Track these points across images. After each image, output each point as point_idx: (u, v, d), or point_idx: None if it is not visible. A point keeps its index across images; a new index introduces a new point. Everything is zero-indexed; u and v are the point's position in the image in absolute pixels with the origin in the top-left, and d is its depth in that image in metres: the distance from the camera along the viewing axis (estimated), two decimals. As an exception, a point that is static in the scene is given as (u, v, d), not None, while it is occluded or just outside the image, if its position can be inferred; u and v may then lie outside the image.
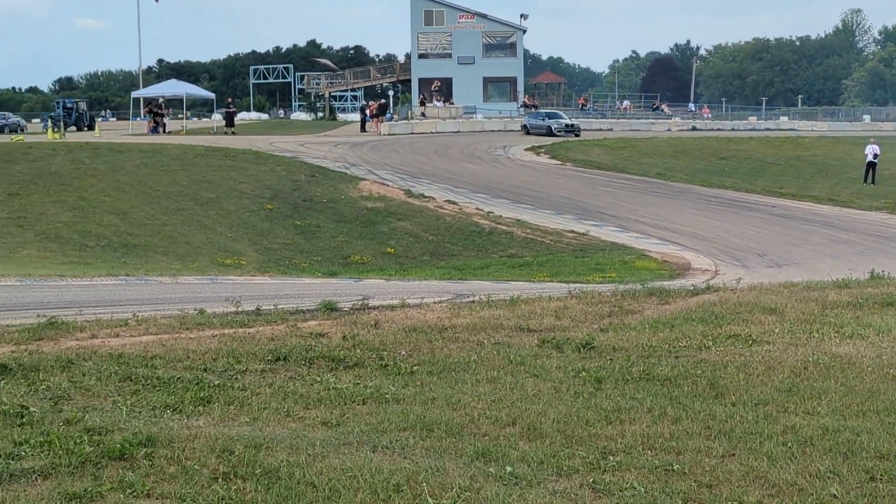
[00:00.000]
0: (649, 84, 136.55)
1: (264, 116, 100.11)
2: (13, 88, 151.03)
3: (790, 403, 9.00)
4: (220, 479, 6.68)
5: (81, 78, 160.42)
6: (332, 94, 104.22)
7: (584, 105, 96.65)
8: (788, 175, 51.49)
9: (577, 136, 69.06)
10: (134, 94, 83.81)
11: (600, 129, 76.34)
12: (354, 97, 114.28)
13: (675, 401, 9.06)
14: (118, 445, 7.17)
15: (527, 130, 72.11)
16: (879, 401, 9.09)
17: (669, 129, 79.40)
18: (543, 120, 72.88)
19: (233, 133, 66.07)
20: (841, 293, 15.18)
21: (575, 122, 73.39)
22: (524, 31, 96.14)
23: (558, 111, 78.91)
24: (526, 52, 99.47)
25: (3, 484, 6.51)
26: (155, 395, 8.89)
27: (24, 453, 7.05)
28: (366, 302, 14.89)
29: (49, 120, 71.55)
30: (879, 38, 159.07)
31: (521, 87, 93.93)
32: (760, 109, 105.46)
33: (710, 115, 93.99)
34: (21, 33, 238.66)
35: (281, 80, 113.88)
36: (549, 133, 69.56)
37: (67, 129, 68.23)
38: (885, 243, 33.68)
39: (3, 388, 8.86)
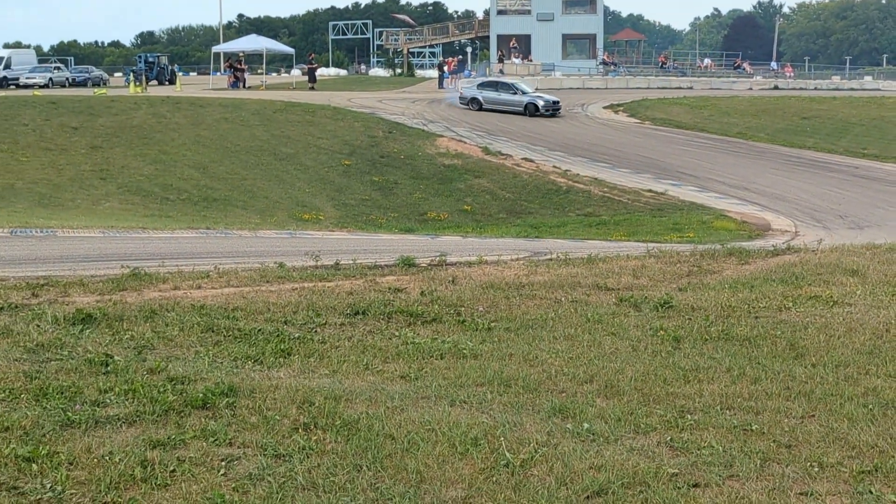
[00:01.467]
0: (731, 42, 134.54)
1: (343, 72, 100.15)
2: (95, 42, 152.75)
3: (871, 366, 8.90)
4: (300, 430, 6.76)
5: (163, 33, 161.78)
6: (411, 50, 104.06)
7: (664, 63, 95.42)
8: (872, 136, 50.64)
9: (552, 115, 54.79)
10: (214, 48, 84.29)
11: (680, 88, 75.44)
12: (433, 53, 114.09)
13: (754, 361, 9.00)
14: (200, 395, 7.29)
15: (479, 106, 55.86)
16: (964, 364, 8.97)
17: (751, 88, 78.25)
18: (515, 93, 56.18)
19: (313, 88, 66.21)
20: (925, 255, 14.95)
21: (547, 97, 56.33)
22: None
23: (509, 79, 62.28)
24: (606, 8, 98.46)
25: (90, 430, 6.64)
26: (236, 346, 9.00)
27: (108, 401, 7.18)
28: (443, 258, 14.91)
29: (131, 74, 72.03)
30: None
31: (600, 44, 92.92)
32: (844, 69, 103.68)
33: (792, 75, 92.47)
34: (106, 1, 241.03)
35: (360, 36, 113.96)
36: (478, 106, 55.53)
37: (149, 84, 68.78)
38: (969, 206, 33.06)
39: (89, 336, 9.01)
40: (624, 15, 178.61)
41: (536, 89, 58.73)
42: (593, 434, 6.92)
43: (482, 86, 58.45)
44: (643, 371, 8.60)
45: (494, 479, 6.11)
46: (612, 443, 6.78)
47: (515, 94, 55.83)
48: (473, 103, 56.02)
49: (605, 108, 60.13)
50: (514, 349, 9.31)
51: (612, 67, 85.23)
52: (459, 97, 57.99)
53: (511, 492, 5.93)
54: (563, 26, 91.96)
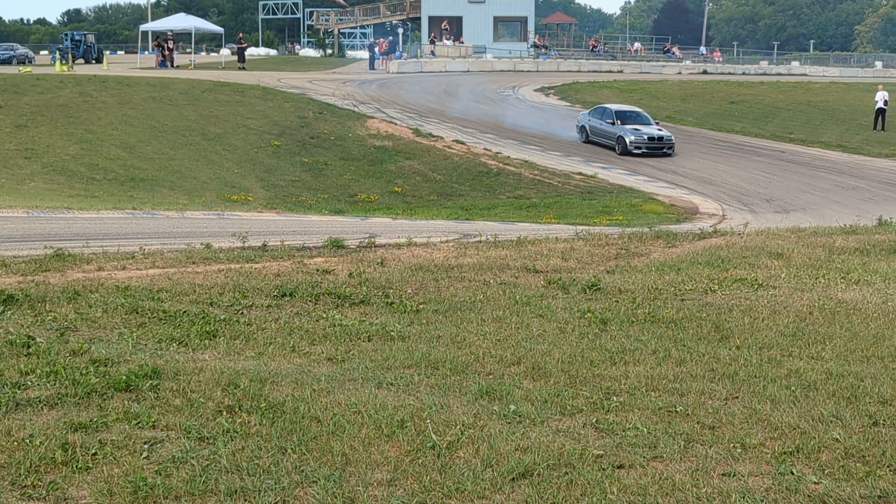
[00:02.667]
0: (661, 27, 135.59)
1: (273, 52, 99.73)
2: (21, 20, 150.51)
3: (794, 348, 9.02)
4: (224, 412, 6.73)
5: (90, 11, 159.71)
6: (342, 31, 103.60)
7: (594, 47, 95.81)
8: (798, 121, 51.19)
9: (668, 155, 40.34)
10: (142, 27, 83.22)
11: (610, 71, 75.80)
12: (364, 34, 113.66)
13: (680, 343, 9.09)
14: (124, 377, 7.22)
15: (586, 136, 43.13)
16: (884, 346, 9.11)
17: (680, 73, 78.80)
18: (613, 123, 41.95)
19: (243, 68, 65.74)
20: (848, 239, 15.17)
21: (665, 132, 41.55)
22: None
23: (637, 109, 45.36)
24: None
25: (10, 413, 6.56)
26: (161, 327, 8.93)
27: (30, 383, 7.10)
28: (372, 240, 14.91)
29: (57, 52, 71.07)
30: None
31: (531, 27, 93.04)
32: (772, 54, 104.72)
33: (721, 59, 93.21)
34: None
35: (290, 16, 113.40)
36: (624, 151, 40.41)
37: (75, 62, 67.81)
38: (893, 191, 33.56)
39: (10, 318, 8.90)
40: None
41: (657, 123, 42.57)
42: (520, 416, 6.95)
43: (593, 112, 43.92)
44: (570, 353, 8.64)
45: (420, 461, 6.11)
46: (538, 424, 6.81)
47: (613, 124, 41.33)
48: (582, 132, 43.53)
49: (535, 90, 60.27)
50: (442, 331, 9.32)
51: (543, 50, 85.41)
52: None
53: (437, 474, 5.93)
54: (495, 8, 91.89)
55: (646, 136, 40.47)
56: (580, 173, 35.95)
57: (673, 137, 40.94)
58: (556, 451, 6.31)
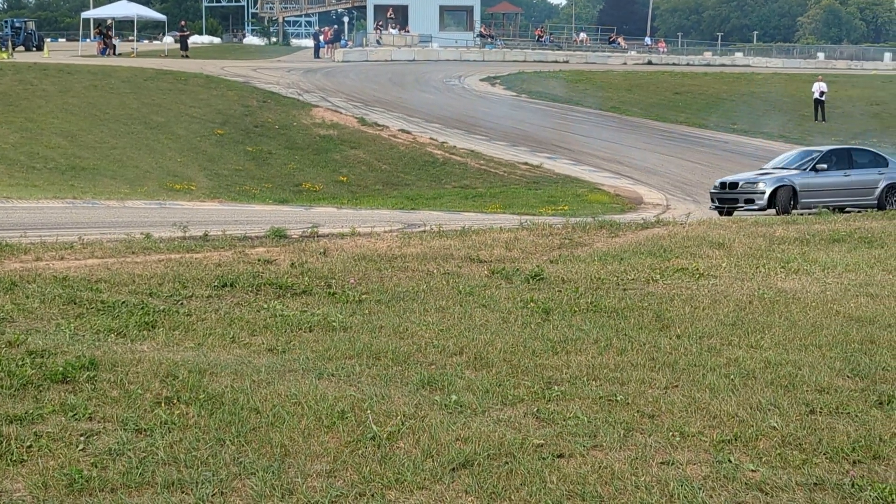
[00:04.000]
0: (606, 17, 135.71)
1: (217, 41, 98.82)
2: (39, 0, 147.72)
3: (734, 337, 9.09)
4: (163, 404, 6.68)
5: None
6: (286, 19, 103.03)
7: (540, 37, 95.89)
8: (741, 111, 51.56)
9: None
10: (84, 14, 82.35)
11: (556, 62, 75.91)
12: (309, 23, 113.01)
13: (621, 332, 9.13)
14: (60, 368, 7.15)
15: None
16: (822, 335, 9.19)
17: (625, 63, 79.16)
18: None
19: (186, 56, 65.27)
20: (788, 229, 15.31)
21: None
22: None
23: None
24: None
25: (-57, 405, 6.48)
26: (99, 318, 8.85)
27: (-37, 375, 7.01)
28: (315, 230, 14.86)
29: (-2, 41, 70.45)
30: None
31: (477, 16, 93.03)
32: (716, 45, 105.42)
33: (665, 50, 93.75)
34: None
35: (234, 4, 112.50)
36: None
37: (15, 50, 67.01)
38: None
39: (-58, 309, 8.80)
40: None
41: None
42: (461, 406, 6.95)
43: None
44: (512, 343, 8.66)
45: (360, 452, 6.10)
46: (479, 414, 6.82)
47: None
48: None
49: (481, 80, 60.28)
50: (384, 321, 9.31)
51: (489, 40, 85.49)
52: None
53: (377, 464, 5.92)
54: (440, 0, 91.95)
55: None
56: (526, 163, 36.07)
57: None
58: (497, 440, 6.32)
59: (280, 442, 6.17)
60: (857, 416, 7.07)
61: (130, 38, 77.88)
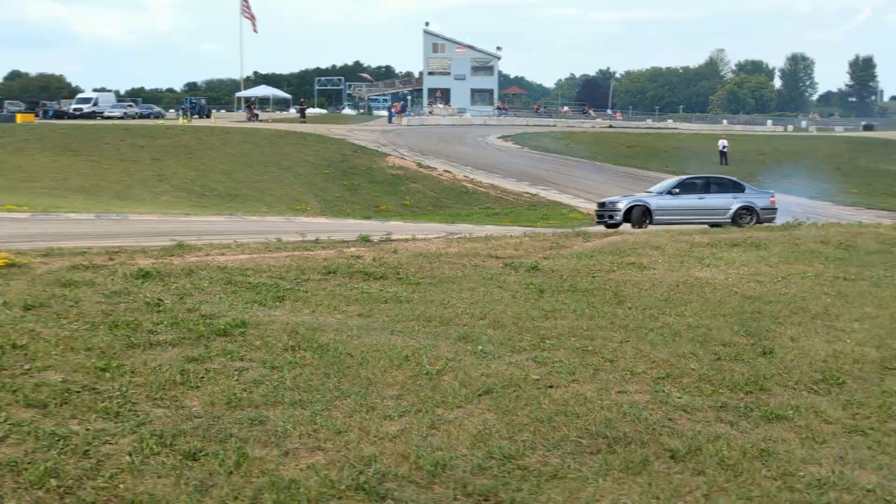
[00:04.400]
0: (582, 96, 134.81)
1: (324, 111, 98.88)
2: (156, 89, 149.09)
3: (666, 308, 9.04)
4: (289, 350, 6.73)
5: (203, 83, 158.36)
6: (370, 97, 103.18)
7: (538, 109, 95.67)
8: (672, 158, 50.90)
9: None
10: (237, 94, 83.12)
11: (548, 126, 75.50)
12: (385, 99, 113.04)
13: (591, 305, 9.09)
14: (222, 326, 7.22)
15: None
16: (725, 308, 9.13)
17: (594, 126, 78.40)
18: None
19: (303, 122, 65.45)
20: (703, 237, 15.15)
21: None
22: (499, 58, 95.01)
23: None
24: (500, 72, 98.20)
25: (146, 350, 6.55)
26: (247, 293, 8.90)
27: (159, 330, 7.08)
28: (389, 236, 14.85)
29: (181, 110, 70.90)
30: (735, 68, 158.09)
31: (496, 95, 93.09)
32: (654, 114, 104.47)
33: (621, 118, 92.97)
34: (163, 53, 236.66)
35: (336, 88, 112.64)
36: None
37: (192, 117, 67.62)
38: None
39: (147, 287, 8.86)
40: (512, 76, 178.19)
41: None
42: (484, 353, 6.96)
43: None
44: (518, 311, 8.65)
45: (418, 382, 6.13)
46: (496, 359, 6.83)
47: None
48: None
49: (498, 138, 60.09)
50: (433, 297, 9.32)
51: (504, 111, 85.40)
52: None
53: (429, 391, 5.95)
54: (472, 83, 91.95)
55: None
56: (528, 192, 35.97)
57: None
58: (508, 376, 6.33)
59: (366, 376, 6.21)
60: (748, 361, 7.04)
61: (267, 109, 78.28)
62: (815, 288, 10.47)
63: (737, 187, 23.53)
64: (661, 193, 23.27)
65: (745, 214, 22.55)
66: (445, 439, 5.12)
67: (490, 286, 10.10)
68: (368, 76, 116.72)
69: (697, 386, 6.33)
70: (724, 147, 49.87)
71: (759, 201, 23.04)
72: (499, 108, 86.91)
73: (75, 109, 67.02)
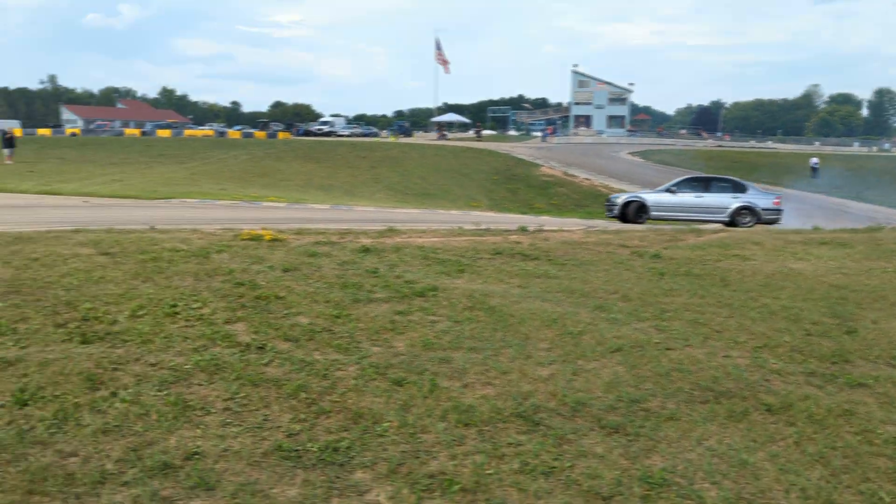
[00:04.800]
0: (697, 121, 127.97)
1: (494, 132, 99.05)
2: (374, 114, 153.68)
3: (765, 292, 8.48)
4: (467, 310, 6.78)
5: (407, 110, 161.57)
6: (529, 121, 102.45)
7: (660, 132, 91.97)
8: (769, 172, 47.68)
9: None
10: (432, 119, 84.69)
11: (668, 145, 72.38)
12: (540, 123, 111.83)
13: (702, 287, 8.66)
14: (419, 289, 7.35)
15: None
16: (815, 294, 8.47)
17: (706, 146, 74.47)
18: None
19: (479, 140, 65.84)
20: (797, 236, 14.12)
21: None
22: (631, 92, 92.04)
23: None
24: (631, 102, 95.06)
25: (367, 304, 6.75)
26: (437, 266, 9.02)
27: (376, 290, 7.28)
28: (541, 227, 14.71)
29: (391, 131, 73.06)
30: (827, 99, 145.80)
31: (627, 120, 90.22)
32: (757, 136, 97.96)
33: (728, 139, 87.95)
34: (379, 87, 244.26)
35: (503, 115, 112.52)
36: None
37: (399, 136, 69.51)
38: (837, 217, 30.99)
39: (366, 259, 9.17)
40: (640, 105, 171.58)
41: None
42: (616, 320, 6.78)
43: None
44: (643, 289, 8.36)
45: (564, 339, 6.05)
46: (625, 325, 6.64)
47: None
48: None
49: (628, 153, 58.24)
50: (576, 275, 9.15)
51: (633, 133, 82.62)
52: None
53: (572, 346, 5.87)
54: (608, 111, 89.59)
55: None
56: (650, 197, 34.74)
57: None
58: (634, 339, 6.14)
59: (523, 331, 6.19)
60: (834, 338, 6.52)
61: (453, 130, 79.22)
62: (893, 280, 9.54)
63: (738, 188, 19.65)
64: (660, 191, 20.14)
65: (745, 214, 18.91)
66: (584, 384, 5.04)
67: (620, 269, 9.83)
68: (528, 105, 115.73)
69: (790, 355, 5.92)
70: (815, 164, 46.11)
71: (761, 202, 19.20)
72: (629, 131, 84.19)
73: (318, 129, 70.43)
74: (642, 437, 4.27)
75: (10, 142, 36.24)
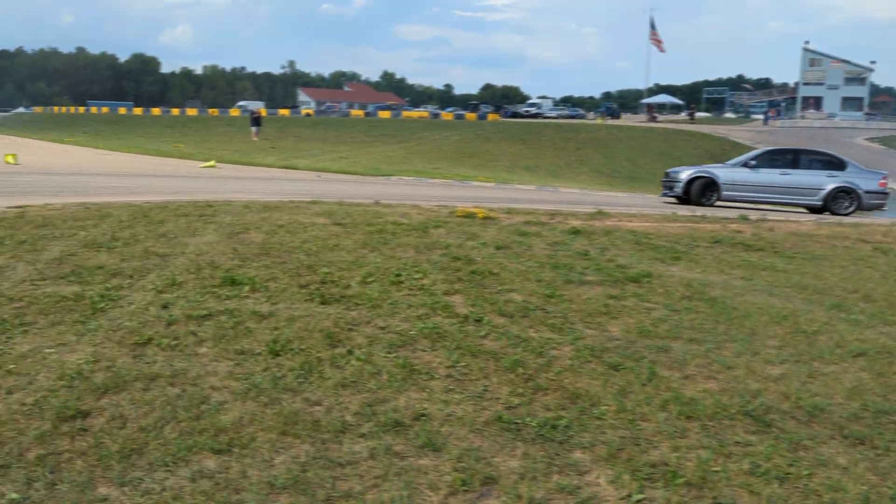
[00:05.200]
0: None
1: (709, 115, 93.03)
2: (581, 96, 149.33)
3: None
4: (685, 299, 6.46)
5: (615, 91, 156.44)
6: (749, 104, 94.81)
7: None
8: None
9: None
10: (642, 101, 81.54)
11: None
12: (761, 104, 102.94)
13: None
14: (633, 274, 7.14)
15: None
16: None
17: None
18: None
19: (691, 122, 62.25)
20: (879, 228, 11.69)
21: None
22: (872, 71, 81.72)
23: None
24: (871, 83, 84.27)
25: (579, 286, 6.66)
26: (651, 252, 8.70)
27: (587, 273, 7.18)
28: (765, 216, 13.61)
29: (598, 113, 71.54)
30: None
31: (865, 103, 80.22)
32: None
33: None
34: (587, 69, 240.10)
35: (720, 96, 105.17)
36: None
37: (607, 118, 67.78)
38: None
39: (576, 240, 9.07)
40: (882, 86, 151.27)
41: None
42: (857, 322, 6.09)
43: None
44: (889, 290, 7.42)
45: (795, 339, 5.55)
46: (869, 328, 5.93)
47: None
48: None
49: (865, 139, 51.86)
50: (807, 270, 8.35)
51: (872, 116, 73.34)
52: None
53: (805, 347, 5.36)
54: (843, 92, 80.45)
55: None
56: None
57: None
58: (881, 343, 5.47)
59: (749, 326, 5.76)
60: None
61: (664, 113, 75.72)
62: None
63: (835, 164, 15.83)
64: (734, 164, 16.37)
65: (843, 198, 15.38)
66: (822, 388, 4.58)
67: (860, 266, 8.79)
68: (749, 86, 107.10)
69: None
70: None
71: (864, 183, 15.47)
72: (867, 114, 74.74)
73: (525, 111, 70.92)
74: (893, 453, 3.79)
75: (257, 121, 40.84)
